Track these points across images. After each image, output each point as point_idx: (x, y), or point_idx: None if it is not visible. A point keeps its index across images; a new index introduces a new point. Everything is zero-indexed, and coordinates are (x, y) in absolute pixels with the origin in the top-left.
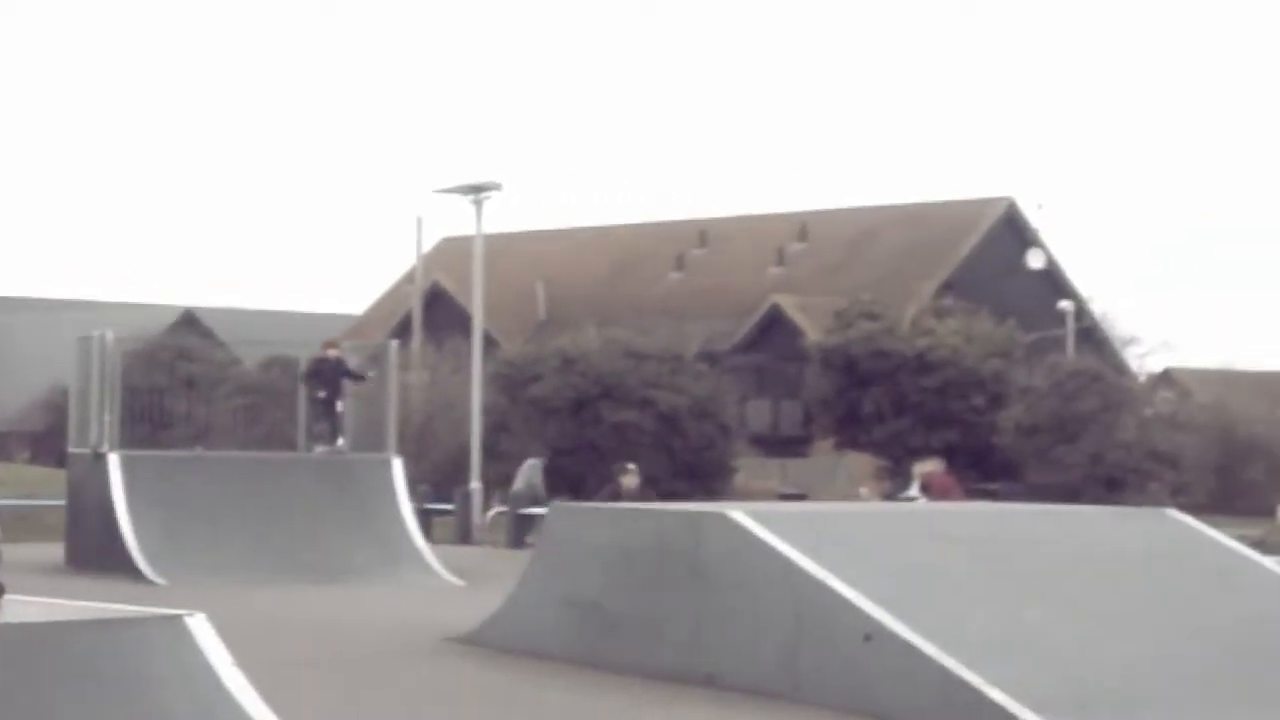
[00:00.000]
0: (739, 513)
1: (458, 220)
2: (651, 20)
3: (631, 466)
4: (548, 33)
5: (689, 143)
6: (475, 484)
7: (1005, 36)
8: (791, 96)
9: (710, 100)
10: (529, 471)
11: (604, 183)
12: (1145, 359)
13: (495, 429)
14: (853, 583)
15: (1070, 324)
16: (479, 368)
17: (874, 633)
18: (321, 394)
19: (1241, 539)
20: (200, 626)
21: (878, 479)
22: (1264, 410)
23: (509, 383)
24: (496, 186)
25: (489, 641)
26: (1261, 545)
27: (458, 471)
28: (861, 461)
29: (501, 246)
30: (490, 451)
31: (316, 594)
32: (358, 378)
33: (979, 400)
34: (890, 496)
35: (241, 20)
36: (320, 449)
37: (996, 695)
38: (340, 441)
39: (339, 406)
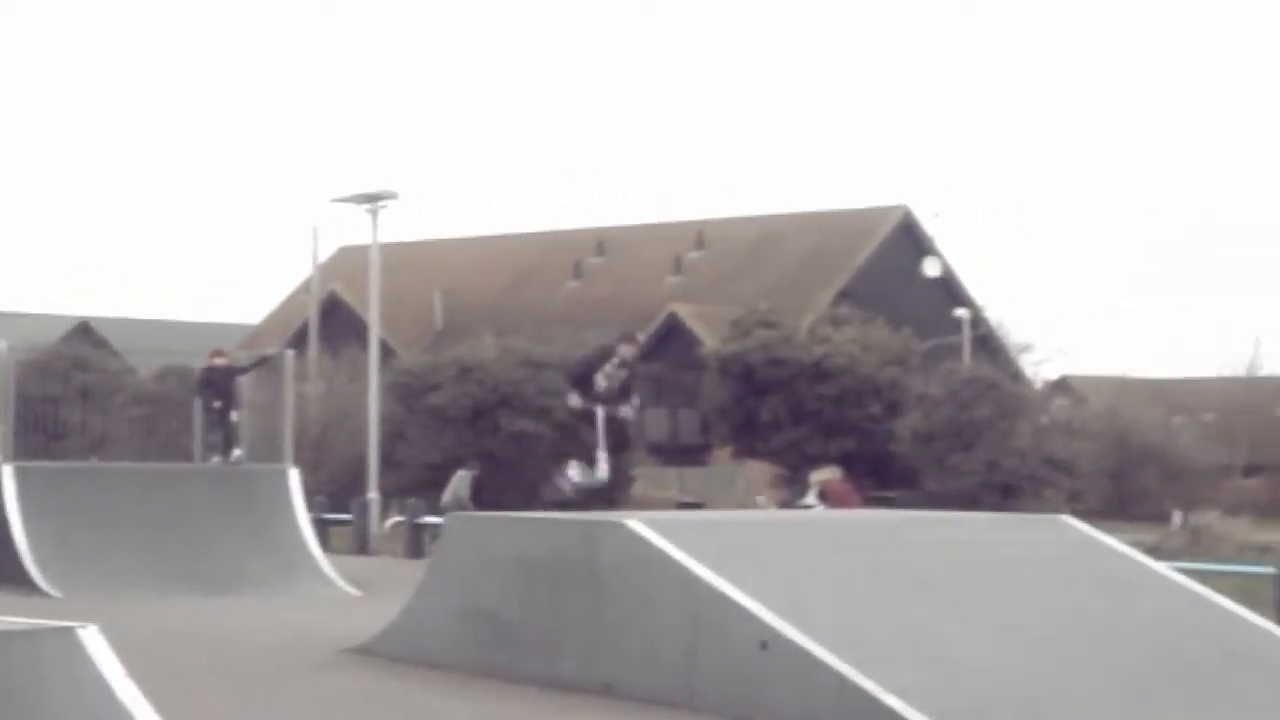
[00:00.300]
0: (636, 522)
1: (355, 230)
2: (545, 30)
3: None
4: (444, 42)
5: (586, 152)
6: (373, 494)
7: (900, 46)
8: (688, 105)
9: (607, 109)
10: (458, 483)
11: (502, 192)
12: (1040, 366)
13: (392, 438)
14: (750, 591)
15: (966, 331)
16: (376, 377)
17: (770, 640)
18: (215, 404)
19: (1136, 545)
20: (93, 638)
21: (775, 487)
22: (1158, 417)
23: (406, 392)
24: (393, 196)
25: (385, 652)
26: (1156, 551)
27: (355, 481)
28: (759, 470)
29: (399, 256)
30: (387, 461)
31: (212, 605)
32: (256, 364)
33: (876, 408)
34: (788, 504)
35: (136, 29)
36: (216, 459)
37: (893, 702)
38: (236, 452)
39: (234, 416)
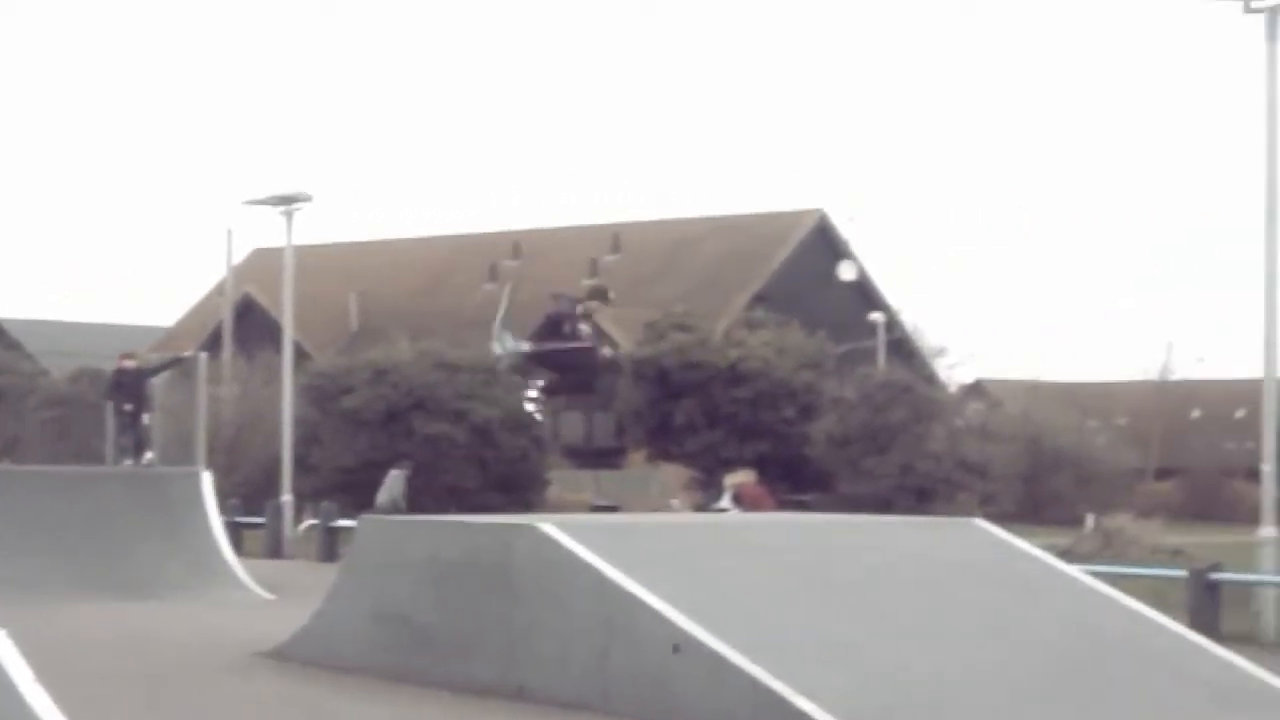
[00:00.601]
0: (549, 525)
1: (270, 232)
2: (456, 34)
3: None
4: (358, 44)
5: (502, 154)
6: (286, 497)
7: (817, 52)
8: (603, 108)
9: (523, 112)
10: (392, 483)
11: (417, 195)
12: (955, 370)
13: (306, 441)
14: (662, 594)
15: (881, 335)
16: (290, 380)
17: (683, 643)
18: (126, 407)
19: (1049, 548)
20: (1, 643)
21: (690, 490)
22: (1071, 420)
23: (320, 395)
24: (307, 198)
25: (298, 656)
26: (1068, 554)
27: (269, 484)
28: (674, 473)
29: (314, 258)
30: (301, 464)
31: (124, 609)
32: (168, 366)
33: (790, 412)
34: (702, 508)
35: (48, 26)
36: (128, 463)
37: (805, 704)
38: (148, 455)
39: (145, 419)
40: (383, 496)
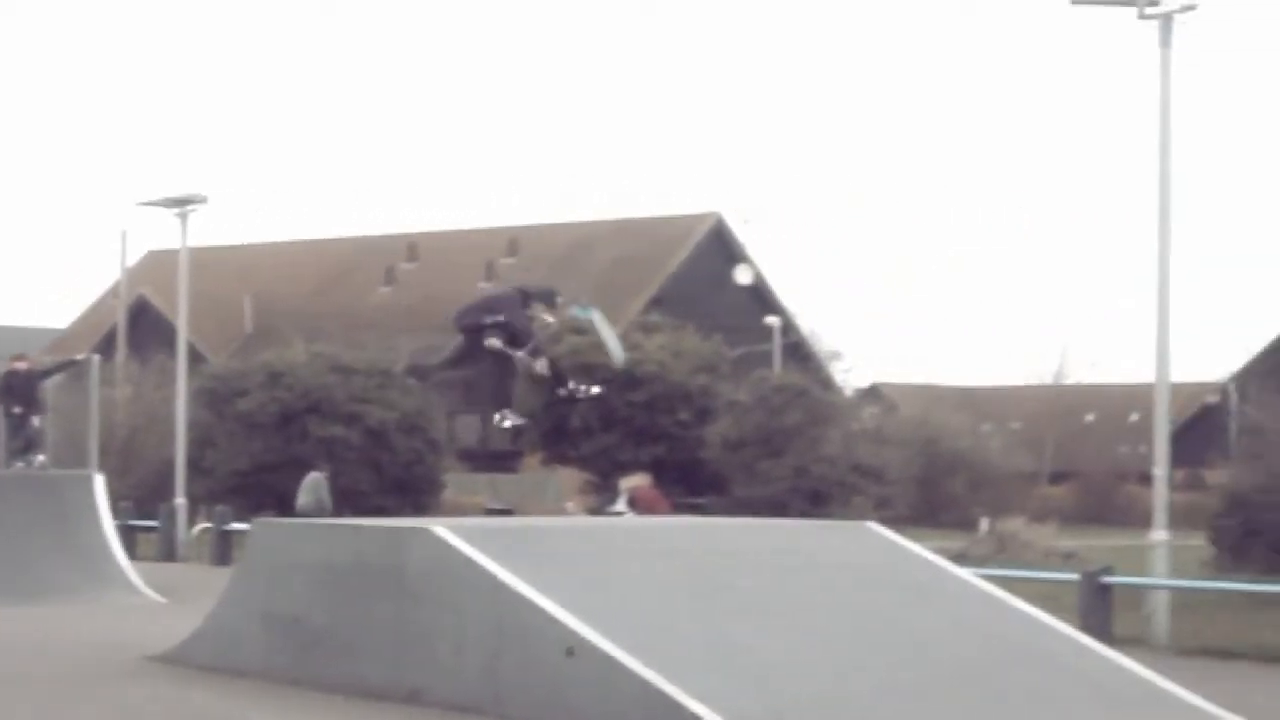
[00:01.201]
0: (442, 528)
1: (164, 233)
2: (354, 34)
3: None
4: (253, 45)
5: (398, 156)
6: (180, 500)
7: (715, 56)
8: (502, 111)
9: (420, 114)
10: (313, 486)
11: (314, 196)
12: (850, 374)
13: (201, 444)
14: (556, 597)
15: (777, 339)
16: (184, 382)
17: (576, 647)
18: (16, 409)
19: (942, 552)
20: None
21: (585, 494)
22: (966, 424)
23: (214, 397)
24: (202, 200)
25: (191, 660)
26: (962, 558)
27: (162, 487)
28: (569, 476)
29: (209, 260)
30: (195, 467)
31: (14, 613)
32: (60, 368)
33: (686, 415)
34: (597, 511)
35: None
36: (18, 465)
37: (697, 708)
38: (39, 458)
39: (36, 422)
40: (304, 499)
